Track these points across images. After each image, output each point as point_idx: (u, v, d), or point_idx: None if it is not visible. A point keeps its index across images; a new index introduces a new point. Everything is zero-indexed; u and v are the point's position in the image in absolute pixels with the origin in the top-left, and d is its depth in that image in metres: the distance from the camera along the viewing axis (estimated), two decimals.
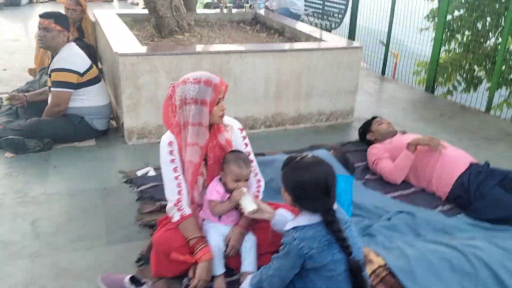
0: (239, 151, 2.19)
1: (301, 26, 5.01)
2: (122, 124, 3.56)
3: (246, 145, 2.30)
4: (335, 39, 4.31)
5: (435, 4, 6.37)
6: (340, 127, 4.20)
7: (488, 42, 5.78)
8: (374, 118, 3.58)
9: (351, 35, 6.75)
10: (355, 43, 4.14)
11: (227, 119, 2.23)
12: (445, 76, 6.01)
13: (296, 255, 1.62)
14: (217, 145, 2.19)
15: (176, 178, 2.09)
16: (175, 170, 2.09)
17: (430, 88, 5.54)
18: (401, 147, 3.12)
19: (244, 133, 2.30)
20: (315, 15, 6.66)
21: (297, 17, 6.46)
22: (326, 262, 1.61)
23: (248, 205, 2.06)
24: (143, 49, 3.59)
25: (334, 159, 3.10)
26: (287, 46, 3.86)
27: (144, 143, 3.61)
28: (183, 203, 2.09)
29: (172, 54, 3.45)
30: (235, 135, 2.26)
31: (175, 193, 2.09)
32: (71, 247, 2.35)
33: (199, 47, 3.67)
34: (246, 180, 2.15)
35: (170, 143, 2.10)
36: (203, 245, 2.03)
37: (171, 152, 2.10)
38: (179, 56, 3.46)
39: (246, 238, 2.15)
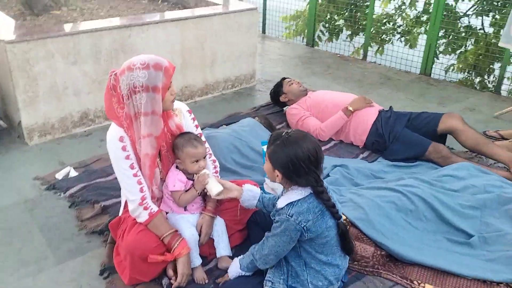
0: (187, 132, 2.11)
1: None
2: (19, 123, 3.09)
3: (197, 126, 2.22)
4: (232, 2, 4.25)
5: None
6: (246, 92, 4.26)
7: None
8: (283, 79, 3.70)
9: None
10: (251, 5, 4.14)
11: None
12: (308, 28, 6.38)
13: (294, 229, 1.67)
14: (168, 132, 2.08)
15: (135, 175, 1.95)
16: (132, 166, 1.94)
17: (311, 42, 5.87)
18: (319, 105, 3.32)
19: (192, 114, 2.21)
20: None
21: None
22: (321, 230, 1.70)
23: (214, 186, 2.02)
24: (29, 32, 3.10)
25: (262, 125, 3.17)
26: (188, 13, 3.70)
27: (49, 141, 3.22)
28: (148, 200, 1.97)
29: (67, 34, 3.05)
30: (185, 119, 2.16)
31: (137, 191, 1.95)
32: (15, 276, 2.05)
33: (94, 23, 3.30)
34: (204, 158, 2.10)
35: (121, 138, 1.92)
36: (179, 240, 1.96)
37: (124, 148, 1.93)
38: (75, 36, 3.08)
39: (215, 223, 2.13)
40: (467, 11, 5.54)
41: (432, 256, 2.14)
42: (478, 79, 5.31)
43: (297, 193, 1.70)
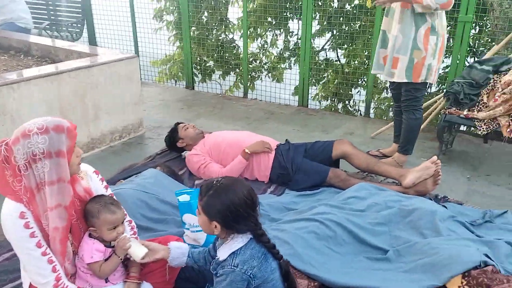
0: (99, 196, 1.92)
1: (49, 41, 4.49)
2: None
3: (107, 187, 2.03)
4: (107, 52, 4.06)
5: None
6: (136, 142, 4.06)
7: (212, 34, 6.47)
8: (177, 124, 3.62)
9: (92, 42, 6.43)
10: (129, 53, 4.00)
11: None
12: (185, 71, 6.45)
13: (241, 280, 1.60)
14: (76, 198, 1.86)
15: (45, 253, 1.68)
16: (39, 244, 1.67)
17: (191, 84, 5.89)
18: (218, 147, 3.30)
19: (100, 175, 2.01)
20: (53, 27, 6.00)
21: (26, 31, 5.67)
22: (267, 275, 1.65)
23: (138, 250, 1.85)
24: None
25: (165, 174, 3.04)
26: (63, 66, 3.42)
27: None
28: (64, 280, 1.72)
29: None
30: (93, 181, 1.96)
31: (49, 272, 1.68)
32: None
33: None
34: (123, 222, 1.92)
35: (22, 215, 1.65)
36: None
37: (26, 225, 1.66)
38: None
39: None
40: (323, 46, 6.13)
41: (359, 277, 2.22)
42: (340, 105, 5.84)
43: (237, 241, 1.64)
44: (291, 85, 5.49)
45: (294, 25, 5.69)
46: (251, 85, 5.94)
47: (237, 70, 6.07)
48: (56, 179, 1.64)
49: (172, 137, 3.55)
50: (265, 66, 6.25)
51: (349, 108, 5.62)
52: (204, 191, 1.64)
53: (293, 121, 4.68)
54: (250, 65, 6.13)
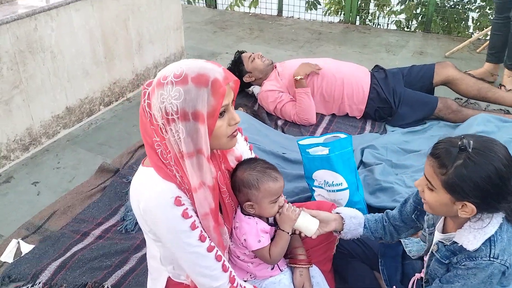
0: (251, 160, 1.44)
1: None
2: None
3: (251, 148, 1.53)
4: None
5: None
6: None
7: None
8: (240, 53, 3.02)
9: None
10: None
11: None
12: None
13: (498, 273, 1.19)
14: (226, 170, 1.37)
15: (210, 248, 1.22)
16: (202, 238, 1.20)
17: (213, 2, 5.13)
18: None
19: (242, 133, 1.50)
20: None
21: None
22: None
23: (310, 222, 1.42)
24: None
25: (252, 117, 2.53)
26: None
27: None
28: (238, 280, 1.28)
29: None
30: (239, 142, 1.46)
31: (221, 272, 1.23)
32: None
33: None
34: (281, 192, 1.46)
35: (177, 200, 1.16)
36: None
37: (186, 215, 1.17)
38: None
39: (311, 274, 1.52)
40: None
41: None
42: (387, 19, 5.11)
43: (489, 224, 1.19)
44: None
45: None
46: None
47: None
48: (194, 151, 1.13)
49: (238, 71, 2.96)
50: None
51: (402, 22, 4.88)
52: (446, 160, 1.14)
53: (349, 41, 4.10)
54: None
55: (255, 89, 3.01)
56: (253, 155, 1.51)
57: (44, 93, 2.43)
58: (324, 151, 1.86)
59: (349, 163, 1.89)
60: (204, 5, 5.23)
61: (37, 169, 2.35)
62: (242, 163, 1.41)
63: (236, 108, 2.60)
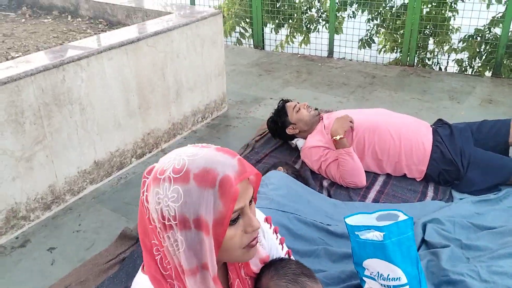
0: (281, 262, 1.14)
1: None
2: None
3: (282, 242, 1.23)
4: (183, 8, 3.16)
5: None
6: (222, 123, 3.22)
7: None
8: (284, 102, 2.76)
9: None
10: (211, 9, 3.10)
11: None
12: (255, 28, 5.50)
13: None
14: (247, 276, 1.07)
15: None
16: None
17: (261, 44, 4.97)
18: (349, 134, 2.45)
19: (272, 223, 1.21)
20: None
21: None
22: None
23: None
24: None
25: (293, 178, 2.22)
26: (135, 31, 2.56)
27: None
28: None
29: None
30: (267, 237, 1.16)
31: None
32: None
33: (6, 69, 2.03)
34: None
35: None
36: None
37: None
38: None
39: None
40: None
41: None
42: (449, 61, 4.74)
43: None
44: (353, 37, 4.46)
45: None
46: (306, 38, 4.95)
47: (290, 21, 5.05)
48: (198, 266, 0.84)
49: (281, 122, 2.68)
50: (323, 16, 5.17)
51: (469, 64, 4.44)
52: None
53: (406, 86, 3.74)
54: (304, 15, 5.10)
55: (299, 142, 2.71)
56: (284, 251, 1.21)
57: (71, 147, 2.27)
58: (378, 236, 1.51)
59: (409, 252, 1.52)
60: (252, 45, 5.08)
61: (56, 232, 2.16)
62: (269, 266, 1.11)
63: (275, 168, 2.31)
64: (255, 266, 1.08)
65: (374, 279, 1.56)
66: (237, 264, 1.03)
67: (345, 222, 1.61)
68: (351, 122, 2.41)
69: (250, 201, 0.90)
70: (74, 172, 2.33)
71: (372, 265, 1.55)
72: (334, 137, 2.35)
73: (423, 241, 1.94)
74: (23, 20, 3.50)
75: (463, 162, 2.31)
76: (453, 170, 2.32)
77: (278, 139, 2.85)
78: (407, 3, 4.05)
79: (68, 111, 2.20)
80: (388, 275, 1.51)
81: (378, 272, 1.53)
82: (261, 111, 3.37)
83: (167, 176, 0.83)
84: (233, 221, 0.86)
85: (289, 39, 5.13)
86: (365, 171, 2.42)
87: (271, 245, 1.17)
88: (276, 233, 1.20)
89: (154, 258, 0.91)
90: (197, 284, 0.85)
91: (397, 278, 1.50)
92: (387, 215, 1.61)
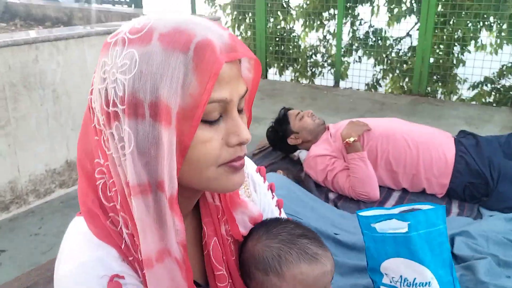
0: (275, 220, 0.80)
1: (97, 7, 3.46)
2: None
3: (280, 205, 0.90)
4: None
5: None
6: None
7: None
8: (286, 110, 2.48)
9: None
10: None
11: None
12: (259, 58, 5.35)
13: None
14: (229, 236, 0.74)
15: None
16: None
17: (264, 73, 4.81)
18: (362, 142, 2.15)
19: (265, 177, 0.89)
20: None
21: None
22: None
23: None
24: None
25: (294, 182, 1.90)
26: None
27: None
28: None
29: None
30: (260, 191, 0.84)
31: None
32: None
33: None
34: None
35: (114, 283, 0.56)
36: None
37: None
38: None
39: None
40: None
41: None
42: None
43: None
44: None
45: (364, 9, 4.42)
46: (310, 82, 4.74)
47: (295, 65, 4.88)
48: (150, 182, 0.53)
49: (282, 131, 2.39)
50: (328, 61, 4.99)
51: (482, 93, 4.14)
52: None
53: (418, 112, 3.49)
54: (309, 60, 4.92)
55: (301, 154, 2.40)
56: (283, 215, 0.89)
57: (40, 140, 1.97)
58: (401, 228, 1.17)
59: (441, 251, 1.15)
60: None
61: (10, 234, 1.82)
62: (259, 227, 0.77)
63: (274, 171, 1.99)
64: (244, 227, 0.75)
65: (394, 287, 1.21)
66: (215, 215, 0.71)
67: (357, 214, 1.27)
68: (365, 126, 2.13)
69: (241, 110, 0.60)
70: (41, 170, 2.02)
71: (393, 267, 1.18)
72: (347, 139, 2.05)
73: (452, 255, 1.58)
74: (13, 28, 3.34)
75: (493, 174, 1.99)
76: (481, 183, 1.99)
77: (279, 152, 2.54)
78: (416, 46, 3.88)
79: (38, 97, 1.93)
80: (415, 279, 1.14)
81: (401, 277, 1.16)
82: (260, 130, 3.09)
83: (120, 38, 0.52)
84: (211, 123, 0.55)
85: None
86: (378, 186, 2.10)
87: (264, 203, 0.84)
88: (272, 191, 0.88)
89: (94, 183, 0.59)
90: (147, 209, 0.53)
91: (425, 283, 1.13)
92: (410, 209, 1.28)
